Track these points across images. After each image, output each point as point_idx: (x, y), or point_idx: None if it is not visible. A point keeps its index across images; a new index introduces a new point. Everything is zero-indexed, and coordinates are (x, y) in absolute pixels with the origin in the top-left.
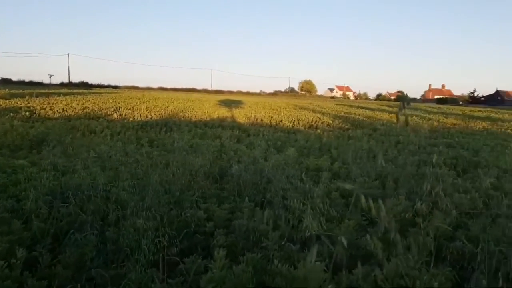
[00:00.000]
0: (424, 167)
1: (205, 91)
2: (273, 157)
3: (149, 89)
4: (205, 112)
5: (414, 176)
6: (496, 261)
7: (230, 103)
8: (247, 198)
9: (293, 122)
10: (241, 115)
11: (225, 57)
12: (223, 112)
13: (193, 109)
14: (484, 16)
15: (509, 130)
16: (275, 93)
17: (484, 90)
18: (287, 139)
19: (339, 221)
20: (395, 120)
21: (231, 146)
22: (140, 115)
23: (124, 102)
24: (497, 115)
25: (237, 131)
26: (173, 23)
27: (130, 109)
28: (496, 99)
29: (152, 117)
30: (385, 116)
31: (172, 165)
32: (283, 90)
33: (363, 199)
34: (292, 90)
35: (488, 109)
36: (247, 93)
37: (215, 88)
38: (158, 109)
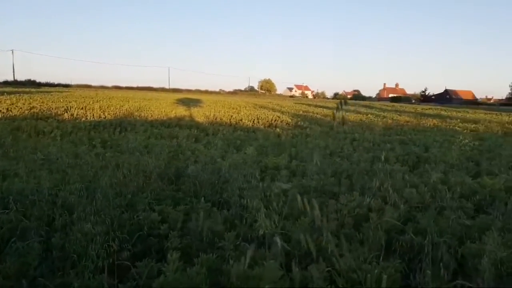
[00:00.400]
0: (377, 164)
1: (162, 89)
2: (231, 156)
3: (103, 88)
4: (162, 111)
5: (368, 172)
6: (441, 252)
7: (188, 102)
8: (203, 198)
9: (253, 121)
10: (199, 114)
11: (183, 55)
12: (181, 111)
13: (149, 108)
14: (434, 18)
15: (456, 127)
16: (235, 92)
17: (434, 89)
18: (247, 138)
19: (296, 218)
20: (351, 119)
21: (189, 145)
22: (93, 115)
23: (76, 101)
24: (446, 113)
25: (195, 131)
26: (128, 20)
27: (82, 108)
28: (445, 98)
29: (106, 116)
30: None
31: (123, 166)
32: (242, 89)
33: (298, 198)
34: (252, 89)
35: (438, 107)
36: (206, 92)
37: (172, 86)
38: (112, 108)
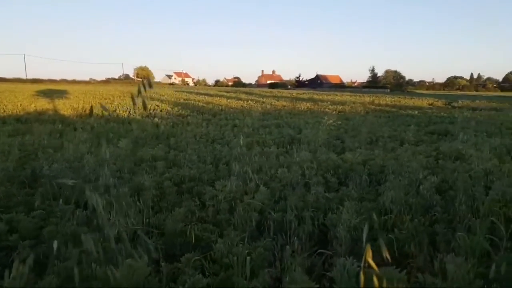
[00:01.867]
0: (255, 147)
1: (19, 80)
2: (102, 151)
3: None
4: (17, 105)
5: (246, 156)
6: (306, 225)
7: (52, 94)
8: (61, 200)
9: (129, 111)
10: (66, 107)
11: (43, 41)
12: (43, 104)
13: (1, 102)
14: (303, 11)
15: (326, 109)
16: (108, 81)
17: (307, 74)
18: (121, 129)
19: (170, 210)
20: (233, 105)
21: (51, 142)
22: None
23: None
24: (318, 96)
25: (60, 125)
26: None
27: None
28: (317, 82)
29: None
30: (224, 101)
31: None
32: (116, 77)
33: (88, 193)
34: (127, 77)
35: (311, 91)
36: (74, 82)
37: (31, 77)
38: None
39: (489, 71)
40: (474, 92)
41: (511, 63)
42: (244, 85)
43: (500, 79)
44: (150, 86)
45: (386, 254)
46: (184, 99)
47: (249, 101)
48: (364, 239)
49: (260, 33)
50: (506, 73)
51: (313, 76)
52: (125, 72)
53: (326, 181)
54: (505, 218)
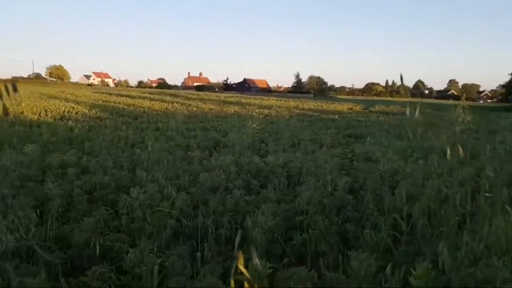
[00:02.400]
0: (178, 151)
1: None
2: (3, 158)
3: None
4: None
5: (167, 161)
6: (224, 230)
7: None
8: None
9: (39, 114)
10: None
11: None
12: None
13: None
14: (229, 12)
15: (253, 113)
16: (16, 80)
17: (235, 78)
18: (29, 134)
19: (78, 221)
20: (157, 108)
21: None
22: None
23: None
24: (245, 100)
25: None
26: None
27: None
28: (244, 86)
29: None
30: (147, 103)
31: None
32: (25, 76)
33: None
34: (38, 76)
35: (239, 95)
36: None
37: None
38: None
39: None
40: (389, 98)
41: (419, 71)
42: (170, 87)
43: (411, 86)
44: (15, 90)
45: (256, 260)
46: (103, 101)
47: (174, 104)
48: (236, 245)
49: (186, 34)
50: (415, 81)
51: (241, 80)
52: (36, 71)
53: (248, 184)
54: (407, 214)
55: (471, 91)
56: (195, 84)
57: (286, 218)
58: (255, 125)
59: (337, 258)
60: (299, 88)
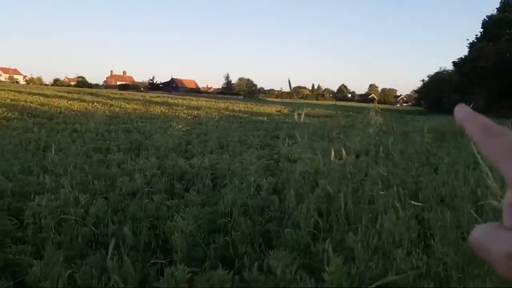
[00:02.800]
0: (97, 155)
1: None
2: None
3: None
4: None
5: (85, 164)
6: (143, 237)
7: None
8: None
9: None
10: None
11: None
12: None
13: None
14: (156, 8)
15: (181, 114)
16: None
17: (162, 77)
18: None
19: None
20: (75, 108)
21: None
22: None
23: None
24: (173, 100)
25: None
26: None
27: None
28: (172, 86)
29: None
30: (64, 102)
31: None
32: None
33: None
34: None
35: (166, 95)
36: None
37: None
38: None
39: (327, 82)
40: (315, 101)
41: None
42: (90, 85)
43: (335, 90)
44: None
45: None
46: (11, 100)
47: (95, 103)
48: (110, 251)
49: (109, 31)
50: (339, 85)
51: (168, 79)
52: None
53: (171, 187)
54: (326, 212)
55: (389, 95)
56: (119, 83)
57: (209, 221)
58: (180, 126)
59: (259, 258)
60: (229, 90)
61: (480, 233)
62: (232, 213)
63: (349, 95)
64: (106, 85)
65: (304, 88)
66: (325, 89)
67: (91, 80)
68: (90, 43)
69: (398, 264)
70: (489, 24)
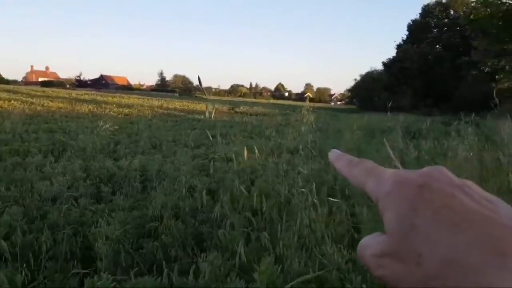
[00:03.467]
0: (14, 158)
1: None
2: None
3: None
4: None
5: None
6: (64, 245)
7: None
8: None
9: None
10: None
11: None
12: None
13: None
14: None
15: (111, 112)
16: None
17: (90, 74)
18: None
19: None
20: None
21: None
22: None
23: None
24: (102, 98)
25: None
26: None
27: None
28: (101, 83)
29: None
30: None
31: None
32: None
33: None
34: None
35: (94, 92)
36: None
37: None
38: None
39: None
40: (253, 99)
41: (279, 75)
42: (8, 82)
43: (273, 88)
44: None
45: None
46: None
47: (12, 101)
48: None
49: (30, 19)
50: (277, 83)
51: (97, 76)
52: None
53: (98, 191)
54: (260, 210)
55: (324, 94)
56: (41, 79)
57: (138, 226)
58: (108, 125)
59: (191, 261)
60: (163, 87)
61: (362, 242)
62: (162, 216)
63: (286, 94)
64: (26, 82)
65: (242, 86)
66: (263, 87)
67: (7, 75)
68: (6, 35)
69: (321, 260)
70: (413, 27)
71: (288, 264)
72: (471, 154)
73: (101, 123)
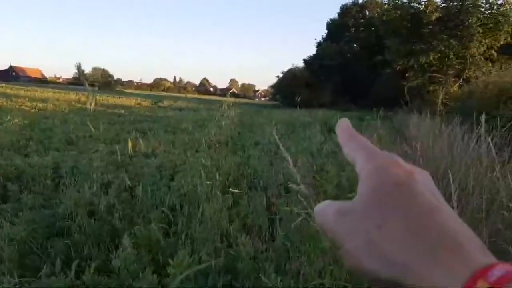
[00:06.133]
0: None
1: None
2: None
3: None
4: None
5: None
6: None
7: None
8: None
9: None
10: None
11: None
12: None
13: None
14: None
15: (23, 106)
16: None
17: None
18: None
19: None
20: None
21: None
22: None
23: None
24: (12, 91)
25: None
26: None
27: None
28: (11, 75)
29: None
30: None
31: None
32: None
33: None
34: None
35: (3, 84)
36: None
37: None
38: None
39: (189, 76)
40: (177, 94)
41: (204, 70)
42: None
43: (198, 83)
44: None
45: None
46: None
47: None
48: None
49: None
50: (201, 78)
51: (6, 67)
52: None
53: (4, 190)
54: (180, 206)
55: (248, 90)
56: None
57: (49, 225)
58: (16, 120)
59: (105, 258)
60: (81, 80)
61: (322, 204)
62: (76, 214)
63: (211, 89)
64: None
65: (166, 80)
66: (187, 82)
67: None
68: None
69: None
70: (332, 26)
71: (202, 256)
72: (378, 147)
73: (9, 118)
